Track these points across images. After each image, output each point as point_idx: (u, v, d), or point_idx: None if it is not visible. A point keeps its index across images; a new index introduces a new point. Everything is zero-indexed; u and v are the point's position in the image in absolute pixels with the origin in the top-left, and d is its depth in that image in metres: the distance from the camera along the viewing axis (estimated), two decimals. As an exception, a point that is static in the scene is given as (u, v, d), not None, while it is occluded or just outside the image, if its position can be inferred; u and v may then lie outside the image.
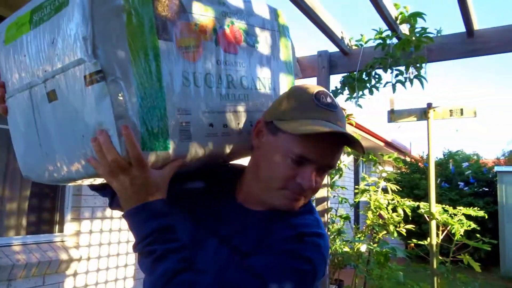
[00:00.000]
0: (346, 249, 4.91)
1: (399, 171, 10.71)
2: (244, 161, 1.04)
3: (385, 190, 4.83)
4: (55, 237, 3.46)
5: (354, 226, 5.13)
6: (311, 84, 0.97)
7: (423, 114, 4.20)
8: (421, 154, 11.46)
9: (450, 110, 4.14)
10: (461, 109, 4.10)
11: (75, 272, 3.45)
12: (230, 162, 1.06)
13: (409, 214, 4.58)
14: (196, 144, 0.88)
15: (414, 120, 4.27)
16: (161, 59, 0.84)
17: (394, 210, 4.68)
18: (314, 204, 0.99)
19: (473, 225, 4.24)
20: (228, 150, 0.96)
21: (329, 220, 3.60)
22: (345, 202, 3.92)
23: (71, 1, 0.79)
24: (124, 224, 3.90)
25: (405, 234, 4.64)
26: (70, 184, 0.98)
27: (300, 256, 0.83)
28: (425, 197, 4.25)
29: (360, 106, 3.64)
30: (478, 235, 4.41)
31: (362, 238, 4.91)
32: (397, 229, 4.63)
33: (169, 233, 0.82)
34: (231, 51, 0.98)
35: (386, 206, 4.65)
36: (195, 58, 0.90)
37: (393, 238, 4.66)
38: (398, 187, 5.11)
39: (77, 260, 3.43)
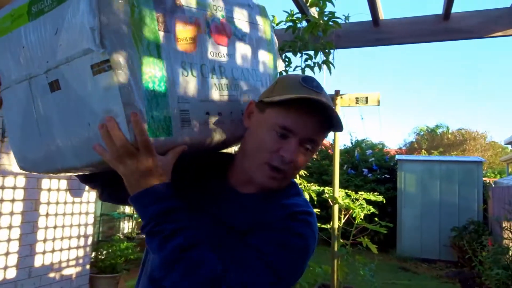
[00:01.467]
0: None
1: (310, 157, 11.00)
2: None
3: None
4: None
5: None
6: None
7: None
8: (331, 141, 11.90)
9: (356, 98, 4.26)
10: (366, 97, 4.23)
11: None
12: (221, 151, 1.12)
13: (315, 198, 4.67)
14: (195, 131, 0.92)
15: (322, 107, 4.29)
16: (162, 50, 0.87)
17: (301, 194, 4.74)
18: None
19: (373, 210, 4.44)
20: (222, 137, 0.99)
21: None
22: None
23: None
24: (5, 207, 3.50)
25: (310, 218, 4.72)
26: (69, 173, 0.98)
27: (294, 233, 0.89)
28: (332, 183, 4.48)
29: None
30: (376, 219, 4.62)
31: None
32: (303, 213, 4.69)
33: (176, 214, 0.84)
34: (222, 43, 1.02)
35: (293, 190, 4.69)
36: (192, 49, 0.94)
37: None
38: (306, 173, 5.20)
39: None
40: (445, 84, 60.04)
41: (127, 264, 4.93)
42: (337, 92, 4.32)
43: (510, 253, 5.10)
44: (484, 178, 8.90)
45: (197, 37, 0.95)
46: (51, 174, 1.07)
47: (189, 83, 0.92)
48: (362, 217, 4.49)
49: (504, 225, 5.55)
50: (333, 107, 0.94)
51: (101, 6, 0.79)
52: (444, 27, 3.16)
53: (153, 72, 0.85)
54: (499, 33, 3.03)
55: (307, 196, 4.66)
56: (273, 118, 0.93)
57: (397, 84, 61.59)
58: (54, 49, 0.86)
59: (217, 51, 1.00)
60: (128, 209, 6.78)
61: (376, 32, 3.37)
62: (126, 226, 6.77)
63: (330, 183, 4.75)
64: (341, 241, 4.58)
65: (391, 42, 3.38)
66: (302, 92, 0.92)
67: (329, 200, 4.52)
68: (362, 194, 4.53)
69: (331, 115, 0.93)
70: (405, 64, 65.58)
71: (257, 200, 0.97)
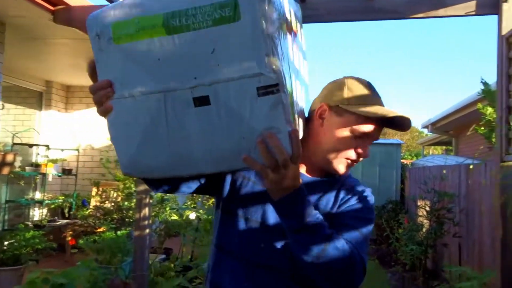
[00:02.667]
0: (175, 217, 4.70)
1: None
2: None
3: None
4: None
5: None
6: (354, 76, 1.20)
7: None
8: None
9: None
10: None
11: None
12: None
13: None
14: (301, 132, 1.04)
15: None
16: (291, 68, 0.98)
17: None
18: None
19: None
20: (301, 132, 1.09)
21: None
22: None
23: (246, 18, 0.85)
24: None
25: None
26: (185, 175, 1.07)
27: (368, 208, 1.16)
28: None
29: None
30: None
31: (192, 205, 4.75)
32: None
33: (313, 207, 1.02)
34: (296, 51, 1.09)
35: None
36: (296, 60, 1.06)
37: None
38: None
39: None
40: (365, 68, 62.91)
41: (35, 255, 4.49)
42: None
43: (424, 230, 5.36)
44: (402, 160, 9.35)
45: (294, 44, 1.06)
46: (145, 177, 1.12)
47: (297, 93, 1.04)
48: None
49: (419, 204, 5.83)
50: (408, 117, 1.14)
51: (274, 34, 0.87)
52: (370, 6, 3.11)
53: (290, 90, 0.94)
54: (421, 15, 3.04)
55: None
56: (353, 123, 1.13)
57: (321, 66, 63.42)
58: (206, 67, 0.89)
59: (297, 59, 1.10)
60: (38, 195, 6.23)
61: (303, 9, 3.24)
62: (37, 214, 6.23)
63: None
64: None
65: (318, 19, 3.28)
66: (375, 101, 1.14)
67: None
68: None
69: (406, 124, 1.16)
70: (326, 44, 67.63)
71: (328, 184, 1.19)
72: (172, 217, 4.71)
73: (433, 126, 12.50)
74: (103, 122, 1.01)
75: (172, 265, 4.08)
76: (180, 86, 0.92)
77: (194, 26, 0.88)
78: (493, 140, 4.85)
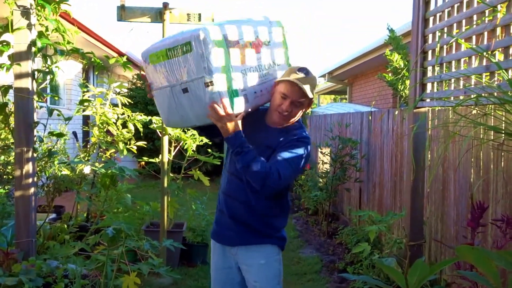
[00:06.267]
0: (66, 171, 4.15)
1: (133, 86, 10.18)
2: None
3: (116, 105, 4.18)
4: None
5: (78, 144, 4.34)
6: (303, 65, 2.01)
7: (158, 15, 3.66)
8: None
9: (188, 14, 3.72)
10: (199, 15, 3.73)
11: None
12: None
13: (141, 129, 4.12)
14: (251, 103, 1.94)
15: (148, 22, 3.68)
16: (233, 69, 1.84)
17: (125, 125, 4.11)
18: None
19: (206, 140, 4.12)
20: (261, 102, 2.03)
21: (36, 139, 2.73)
22: (59, 115, 3.07)
23: (194, 50, 1.76)
24: None
25: (135, 152, 4.18)
26: (192, 126, 2.20)
27: (299, 147, 1.96)
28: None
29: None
30: (210, 150, 4.34)
31: (86, 158, 4.24)
32: (128, 146, 4.11)
33: (247, 143, 1.88)
34: (258, 51, 1.97)
35: (115, 121, 4.03)
36: (245, 62, 1.90)
37: (122, 156, 4.15)
38: (130, 101, 4.55)
39: None
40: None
41: None
42: (165, 5, 3.70)
43: (329, 176, 5.48)
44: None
45: (246, 53, 1.90)
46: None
47: (246, 80, 1.90)
48: (194, 148, 4.15)
49: (323, 151, 5.93)
50: (304, 87, 1.93)
51: (206, 55, 1.74)
52: None
53: (231, 82, 1.83)
54: None
55: (131, 128, 4.08)
56: (279, 89, 1.95)
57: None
58: (183, 74, 1.83)
59: (256, 57, 1.96)
60: None
61: None
62: None
63: (156, 114, 4.22)
64: (172, 175, 4.21)
65: None
66: (295, 76, 1.93)
67: (158, 131, 4.03)
68: (193, 124, 4.13)
69: (305, 90, 1.92)
70: (229, -4, 65.54)
71: (280, 131, 2.00)
72: (63, 172, 4.15)
73: (330, 75, 12.87)
74: None
75: (66, 226, 3.61)
76: (175, 83, 1.87)
77: (176, 55, 1.82)
78: (399, 87, 5.05)
